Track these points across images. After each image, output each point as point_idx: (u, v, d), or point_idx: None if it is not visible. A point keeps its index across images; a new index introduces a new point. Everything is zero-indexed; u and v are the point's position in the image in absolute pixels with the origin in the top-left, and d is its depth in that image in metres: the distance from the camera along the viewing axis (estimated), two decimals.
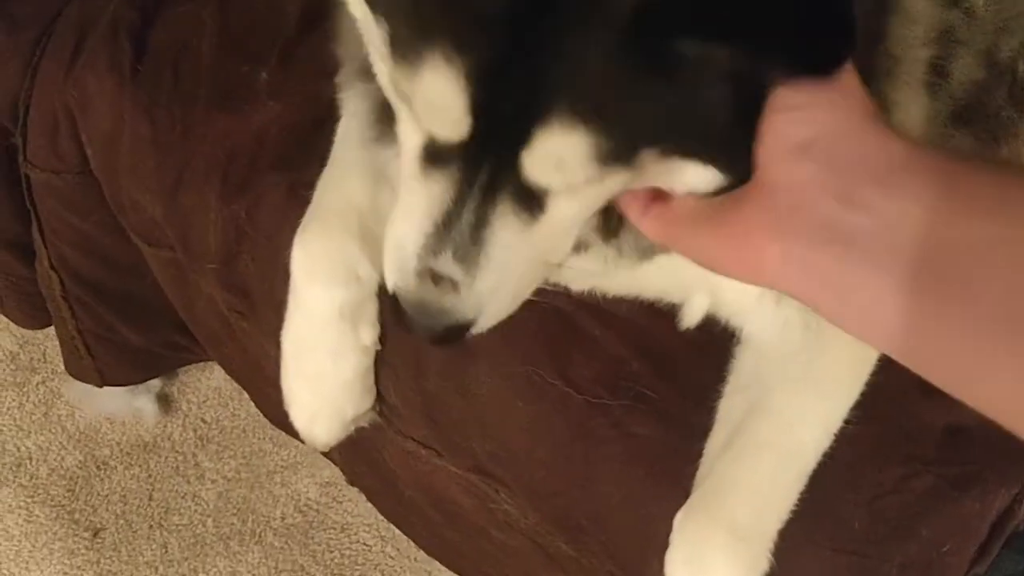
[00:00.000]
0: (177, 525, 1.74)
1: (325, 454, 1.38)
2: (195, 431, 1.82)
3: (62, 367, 1.68)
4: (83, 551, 1.72)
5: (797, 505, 0.95)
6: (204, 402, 1.84)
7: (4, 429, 1.82)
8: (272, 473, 1.78)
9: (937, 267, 0.62)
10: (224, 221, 1.17)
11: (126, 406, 1.78)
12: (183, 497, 1.77)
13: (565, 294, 1.03)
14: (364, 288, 1.06)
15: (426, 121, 0.71)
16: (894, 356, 0.67)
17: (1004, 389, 0.61)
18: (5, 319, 1.76)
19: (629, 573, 1.07)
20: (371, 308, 1.08)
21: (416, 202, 0.74)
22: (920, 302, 0.63)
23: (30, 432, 1.82)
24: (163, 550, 1.73)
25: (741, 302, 0.98)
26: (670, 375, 1.04)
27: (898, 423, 1.00)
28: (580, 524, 1.07)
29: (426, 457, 1.15)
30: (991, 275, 0.61)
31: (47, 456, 1.80)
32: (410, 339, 1.09)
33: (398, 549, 1.71)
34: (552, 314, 1.06)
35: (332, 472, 1.70)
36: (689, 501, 0.95)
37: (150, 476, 1.78)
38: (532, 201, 0.72)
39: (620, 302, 1.04)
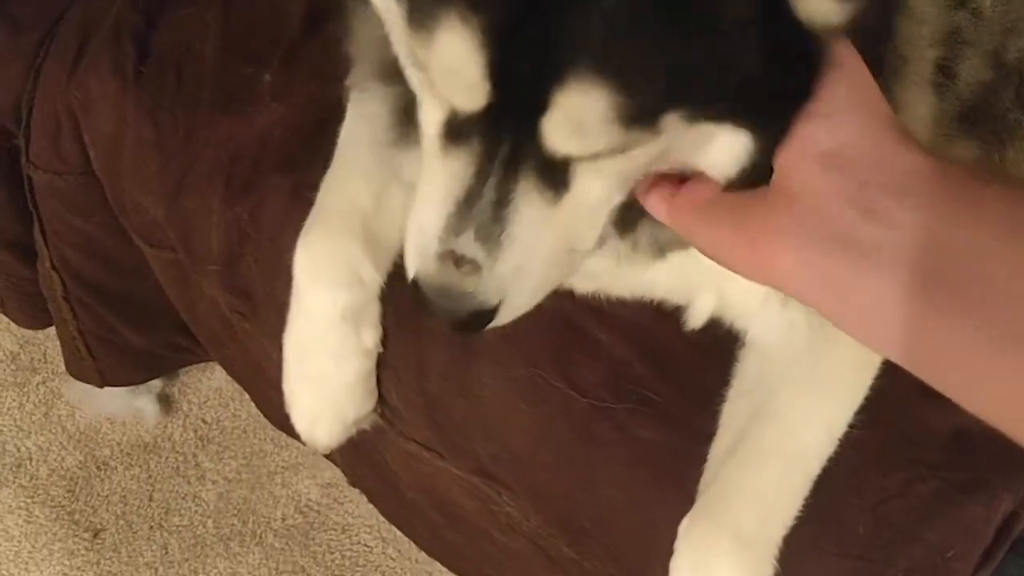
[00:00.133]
0: (177, 526, 1.74)
1: (326, 456, 1.38)
2: (196, 432, 1.81)
3: (62, 367, 1.67)
4: (83, 552, 1.72)
5: (802, 510, 0.94)
6: (205, 403, 1.83)
7: (4, 429, 1.82)
8: (273, 474, 1.77)
9: (949, 279, 0.63)
10: (227, 223, 1.17)
11: (127, 406, 1.78)
12: (183, 498, 1.76)
13: (569, 296, 1.03)
14: (367, 290, 1.06)
15: (444, 90, 0.69)
16: (901, 363, 0.67)
17: (1009, 399, 0.62)
18: (6, 319, 1.76)
19: None
20: (373, 310, 1.08)
21: (437, 181, 0.73)
22: (930, 313, 0.63)
23: (30, 432, 1.82)
24: (163, 551, 1.72)
25: (746, 304, 0.98)
26: (674, 378, 1.04)
27: (903, 428, 1.00)
28: (583, 527, 1.07)
29: (428, 459, 1.15)
30: (999, 287, 0.61)
31: (47, 456, 1.80)
32: (412, 341, 1.09)
33: (399, 550, 1.71)
34: (556, 316, 1.06)
35: (333, 473, 1.70)
36: (694, 507, 0.95)
37: (150, 477, 1.78)
38: (555, 177, 0.71)
39: (624, 304, 1.04)
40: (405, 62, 0.78)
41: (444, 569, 1.47)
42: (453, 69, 0.67)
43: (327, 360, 1.06)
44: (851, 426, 0.96)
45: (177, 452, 1.80)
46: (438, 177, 0.73)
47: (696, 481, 0.98)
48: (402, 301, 1.08)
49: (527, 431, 1.06)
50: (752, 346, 1.01)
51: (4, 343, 1.88)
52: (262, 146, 1.18)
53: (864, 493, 0.98)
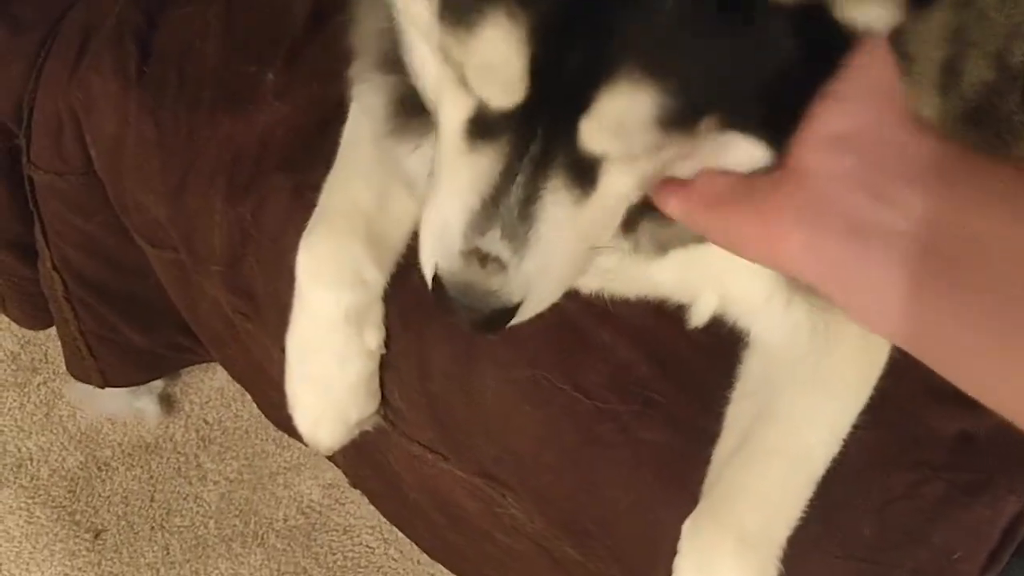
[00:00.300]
0: (179, 527, 1.74)
1: (328, 457, 1.38)
2: (197, 432, 1.81)
3: (63, 367, 1.67)
4: (84, 552, 1.72)
5: (806, 511, 0.94)
6: (206, 403, 1.83)
7: (5, 430, 1.81)
8: (274, 475, 1.77)
9: (957, 265, 0.63)
10: (229, 223, 1.17)
11: (128, 407, 1.78)
12: (185, 498, 1.76)
13: (573, 296, 1.03)
14: (370, 291, 1.06)
15: (480, 86, 0.68)
16: (906, 348, 0.67)
17: (1017, 386, 0.62)
18: (7, 319, 1.75)
19: None
20: (376, 311, 1.07)
21: (461, 178, 0.72)
22: (936, 298, 0.63)
23: (31, 433, 1.81)
24: (165, 552, 1.72)
25: (750, 303, 0.98)
26: (679, 379, 1.03)
27: (908, 429, 1.00)
28: (587, 529, 1.07)
29: (431, 461, 1.15)
30: (1006, 272, 0.62)
31: (48, 457, 1.79)
32: (416, 342, 1.09)
33: (401, 551, 1.71)
34: (559, 318, 1.05)
35: (335, 474, 1.70)
36: (698, 508, 0.95)
37: (152, 477, 1.78)
38: (584, 176, 0.70)
39: (627, 305, 1.03)
40: (416, 63, 0.78)
41: (446, 570, 1.47)
42: (493, 65, 0.66)
43: (330, 361, 1.06)
44: (855, 426, 0.96)
45: (179, 453, 1.80)
46: (461, 173, 0.72)
47: (700, 482, 0.98)
48: (405, 301, 1.08)
49: (531, 432, 1.06)
50: (755, 347, 1.01)
51: (5, 343, 1.88)
52: (264, 146, 1.18)
53: (869, 495, 0.98)
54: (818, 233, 0.67)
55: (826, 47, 0.68)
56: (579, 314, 1.06)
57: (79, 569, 1.71)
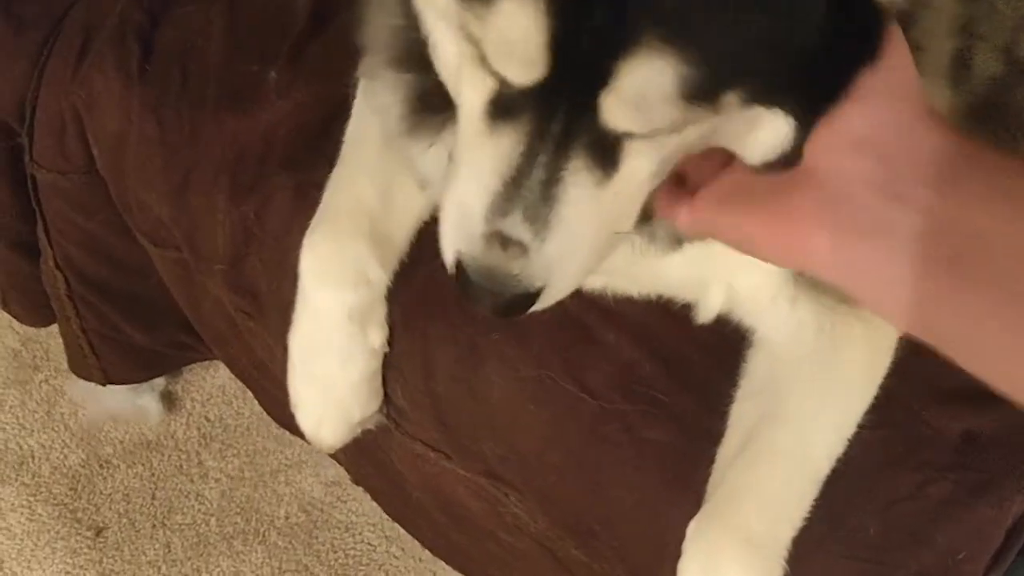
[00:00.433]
0: (180, 524, 1.74)
1: (331, 455, 1.37)
2: (199, 429, 1.81)
3: (65, 365, 1.67)
4: (86, 550, 1.72)
5: (812, 511, 0.94)
6: (208, 400, 1.83)
7: (7, 427, 1.81)
8: (276, 472, 1.77)
9: (976, 261, 0.63)
10: (232, 222, 1.17)
11: (129, 404, 1.77)
12: (186, 496, 1.76)
13: (577, 294, 1.03)
14: (373, 290, 1.06)
15: (500, 63, 0.67)
16: (930, 343, 0.67)
17: None
18: (8, 316, 1.75)
19: None
20: (380, 310, 1.07)
21: (481, 160, 0.71)
22: (956, 293, 0.64)
23: (33, 430, 1.81)
24: (166, 549, 1.72)
25: (756, 301, 0.98)
26: (683, 379, 1.03)
27: (913, 429, 1.00)
28: (591, 529, 1.07)
29: (434, 460, 1.15)
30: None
31: (50, 454, 1.79)
32: (419, 341, 1.09)
33: (403, 549, 1.71)
34: (564, 317, 1.05)
35: (336, 471, 1.70)
36: (703, 509, 0.94)
37: (153, 475, 1.78)
38: (607, 155, 0.69)
39: (631, 304, 1.03)
40: (440, 51, 0.77)
41: (448, 568, 1.47)
42: (513, 41, 0.65)
43: (333, 360, 1.06)
44: (861, 426, 0.96)
45: (180, 450, 1.79)
46: (482, 155, 0.71)
47: (704, 482, 0.97)
48: (409, 300, 1.08)
49: (535, 432, 1.06)
50: (760, 346, 1.01)
51: (7, 340, 1.87)
52: (268, 144, 1.17)
53: (874, 495, 0.98)
54: (839, 234, 0.67)
55: (855, 22, 0.67)
56: (584, 313, 1.06)
57: (80, 567, 1.70)
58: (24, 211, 1.40)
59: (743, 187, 0.73)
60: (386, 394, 1.12)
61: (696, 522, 0.94)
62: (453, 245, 0.75)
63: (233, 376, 1.55)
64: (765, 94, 0.68)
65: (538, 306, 0.76)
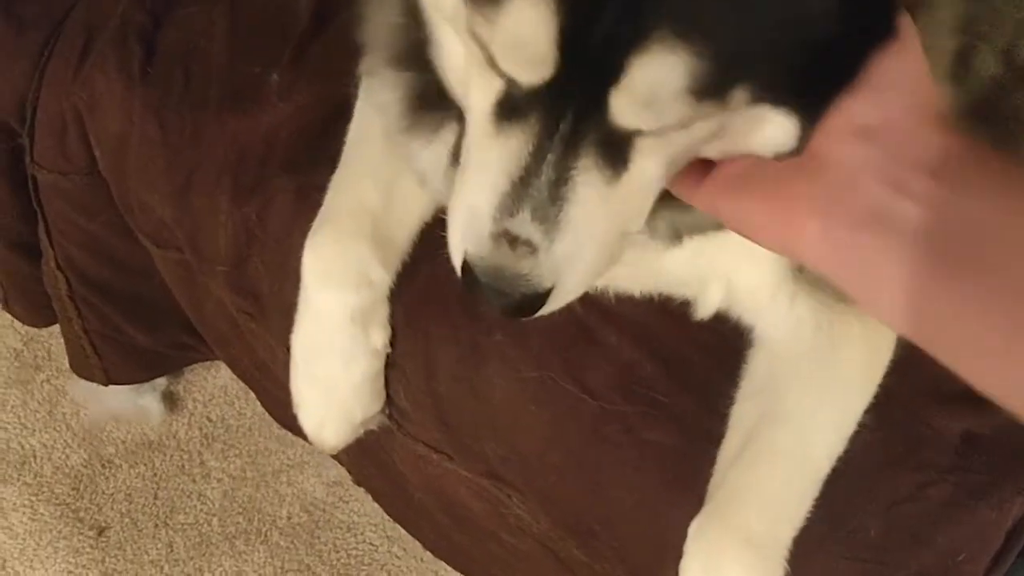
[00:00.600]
0: (182, 524, 1.74)
1: (333, 455, 1.37)
2: (201, 430, 1.81)
3: (67, 365, 1.67)
4: (88, 549, 1.72)
5: (812, 512, 0.94)
6: (210, 400, 1.83)
7: (9, 427, 1.81)
8: (278, 472, 1.77)
9: (973, 256, 0.63)
10: (234, 223, 1.17)
11: (131, 404, 1.77)
12: (188, 496, 1.76)
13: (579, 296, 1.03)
14: (375, 291, 1.06)
15: (508, 63, 0.67)
16: (918, 342, 0.67)
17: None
18: (10, 317, 1.75)
19: None
20: (382, 311, 1.07)
21: (490, 160, 0.71)
22: (950, 293, 0.63)
23: (35, 430, 1.81)
24: (168, 549, 1.72)
25: (755, 298, 0.98)
26: (684, 380, 1.04)
27: (914, 431, 1.00)
28: (592, 529, 1.07)
29: (437, 461, 1.15)
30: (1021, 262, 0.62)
31: (52, 454, 1.79)
32: (421, 342, 1.09)
33: (404, 549, 1.71)
34: (565, 318, 1.05)
35: (338, 471, 1.70)
36: (704, 510, 0.95)
37: (155, 475, 1.78)
38: (616, 154, 0.69)
39: (631, 304, 1.03)
40: (445, 49, 0.77)
41: (449, 568, 1.47)
42: (522, 41, 0.65)
43: (335, 361, 1.06)
44: (861, 426, 0.96)
45: (182, 450, 1.80)
46: (490, 156, 0.71)
47: (705, 483, 0.97)
48: (411, 301, 1.08)
49: (536, 433, 1.06)
50: (760, 345, 1.01)
51: (8, 341, 1.87)
52: (270, 146, 1.17)
53: (875, 496, 0.98)
54: (834, 222, 0.67)
55: (867, 16, 0.67)
56: (585, 314, 1.06)
57: (83, 566, 1.71)
58: (25, 212, 1.40)
59: (749, 170, 0.73)
60: (388, 395, 1.12)
61: (697, 523, 0.94)
62: (461, 245, 0.74)
63: (235, 376, 1.55)
64: (774, 90, 0.68)
65: (548, 308, 0.76)
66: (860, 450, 0.95)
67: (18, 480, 1.77)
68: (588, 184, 0.69)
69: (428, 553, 1.50)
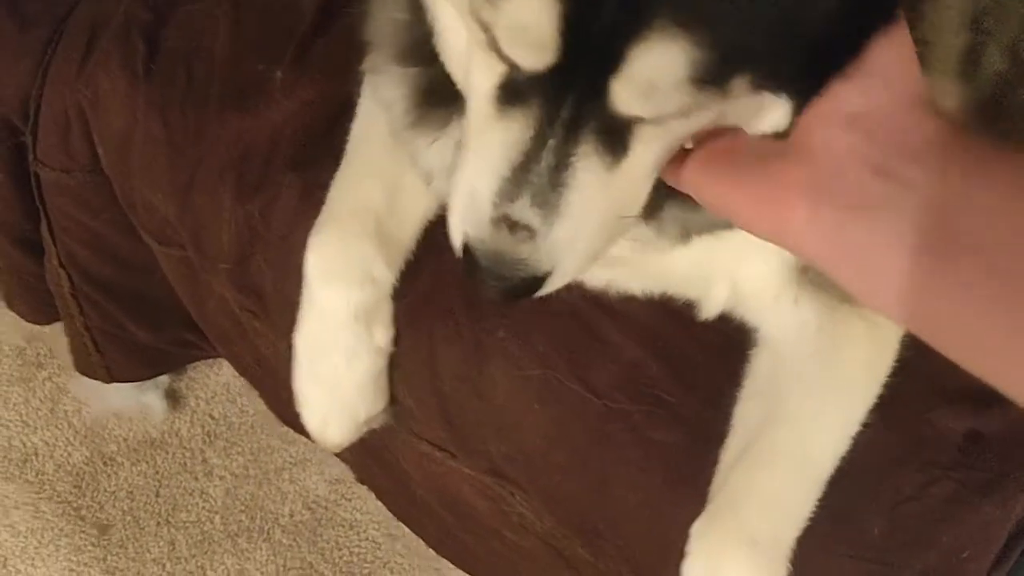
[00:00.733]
0: (184, 522, 1.74)
1: (336, 453, 1.37)
2: (203, 427, 1.81)
3: (69, 363, 1.67)
4: (90, 548, 1.72)
5: (816, 511, 0.94)
6: (212, 398, 1.83)
7: (10, 425, 1.81)
8: (280, 470, 1.77)
9: (959, 241, 0.63)
10: (237, 221, 1.17)
11: (134, 402, 1.78)
12: (191, 494, 1.76)
13: (582, 293, 1.03)
14: (379, 289, 1.06)
15: (511, 48, 0.67)
16: (909, 328, 0.68)
17: (1016, 360, 0.62)
18: (12, 314, 1.75)
19: None
20: (385, 309, 1.07)
21: (491, 145, 0.71)
22: (940, 278, 0.63)
23: (36, 428, 1.81)
24: (170, 547, 1.72)
25: (759, 297, 0.98)
26: (688, 379, 1.03)
27: (918, 429, 1.00)
28: (596, 528, 1.07)
29: (440, 459, 1.15)
30: (1005, 246, 0.61)
31: (54, 452, 1.79)
32: (425, 340, 1.09)
33: (407, 547, 1.71)
34: (569, 317, 1.06)
35: (341, 469, 1.70)
36: (706, 510, 0.94)
37: (157, 472, 1.78)
38: (616, 141, 0.69)
39: (635, 303, 1.03)
40: (445, 30, 0.77)
41: (452, 566, 1.47)
42: (524, 26, 0.65)
43: (339, 359, 1.06)
44: (864, 425, 0.96)
45: (184, 448, 1.80)
46: (491, 140, 0.71)
47: (709, 482, 0.97)
48: (415, 299, 1.08)
49: (540, 431, 1.06)
50: (764, 346, 1.01)
51: (11, 338, 1.87)
52: (273, 144, 1.17)
53: (879, 495, 0.98)
54: (822, 207, 0.66)
55: (867, 8, 0.67)
56: (589, 313, 1.06)
57: (85, 564, 1.71)
58: (28, 209, 1.40)
59: (733, 153, 0.73)
60: (392, 393, 1.11)
61: (700, 523, 0.94)
62: (461, 229, 0.75)
63: (237, 374, 1.55)
64: (774, 79, 0.68)
65: (544, 290, 0.76)
66: (864, 449, 0.95)
67: (20, 478, 1.77)
68: (588, 170, 0.70)
69: (431, 551, 1.50)
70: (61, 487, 1.77)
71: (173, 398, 1.82)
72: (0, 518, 1.74)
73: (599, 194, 0.71)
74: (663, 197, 0.81)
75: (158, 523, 1.74)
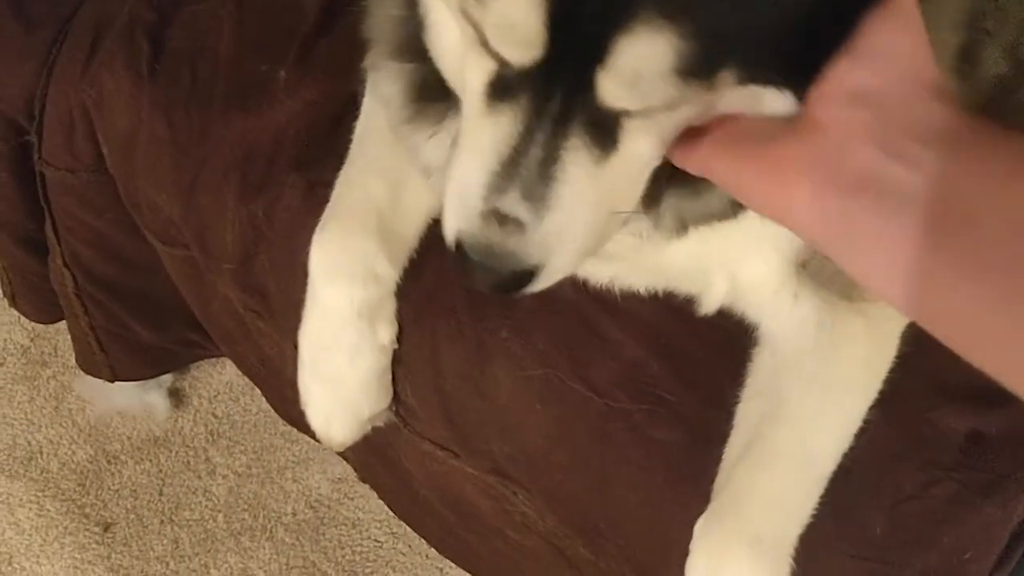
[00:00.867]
0: (187, 520, 1.74)
1: (339, 452, 1.38)
2: (206, 426, 1.81)
3: (73, 361, 1.68)
4: (93, 545, 1.73)
5: (818, 510, 0.94)
6: (215, 397, 1.83)
7: (15, 423, 1.82)
8: (283, 469, 1.78)
9: (963, 225, 0.62)
10: (241, 221, 1.17)
11: (137, 401, 1.78)
12: (194, 492, 1.76)
13: (584, 292, 1.03)
14: (382, 287, 1.06)
15: (499, 44, 0.68)
16: (908, 313, 0.67)
17: (1017, 349, 0.61)
18: (16, 313, 1.75)
19: None
20: (389, 307, 1.07)
21: (481, 139, 0.72)
22: (944, 262, 0.63)
23: (41, 426, 1.82)
24: (174, 545, 1.73)
25: (759, 293, 0.98)
26: (690, 378, 1.03)
27: (919, 429, 1.00)
28: (598, 527, 1.07)
29: (443, 458, 1.15)
30: (1009, 230, 0.61)
31: (58, 450, 1.80)
32: (428, 339, 1.09)
33: (410, 546, 1.71)
34: (571, 316, 1.06)
35: (344, 468, 1.71)
36: (709, 509, 0.95)
37: (160, 471, 1.78)
38: (605, 134, 0.70)
39: (637, 301, 1.03)
40: (437, 28, 0.77)
41: (455, 565, 1.47)
42: (511, 22, 0.65)
43: (342, 357, 1.06)
44: (866, 424, 0.96)
45: (187, 446, 1.80)
46: (482, 134, 0.72)
47: (711, 481, 0.97)
48: (418, 297, 1.08)
49: (542, 431, 1.06)
50: (764, 343, 1.01)
51: (15, 337, 1.88)
52: (277, 143, 1.18)
53: (881, 494, 0.98)
54: (825, 186, 0.66)
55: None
56: (590, 311, 1.06)
57: (88, 562, 1.71)
58: (32, 209, 1.41)
59: (743, 132, 0.72)
60: (396, 392, 1.12)
61: (702, 522, 0.94)
62: (453, 223, 0.75)
63: (240, 373, 1.56)
64: (761, 72, 0.68)
65: (536, 285, 0.76)
66: (865, 448, 0.95)
67: (24, 476, 1.78)
68: (577, 163, 0.70)
69: (433, 550, 1.51)
70: (65, 485, 1.77)
71: (176, 397, 1.82)
72: (5, 516, 1.74)
73: (589, 188, 0.72)
74: (661, 189, 0.81)
75: (161, 521, 1.74)
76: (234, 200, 1.17)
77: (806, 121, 0.68)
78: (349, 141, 1.09)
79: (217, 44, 1.24)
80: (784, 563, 0.92)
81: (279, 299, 1.16)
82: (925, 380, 0.99)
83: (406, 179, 1.04)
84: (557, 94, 0.68)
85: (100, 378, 1.64)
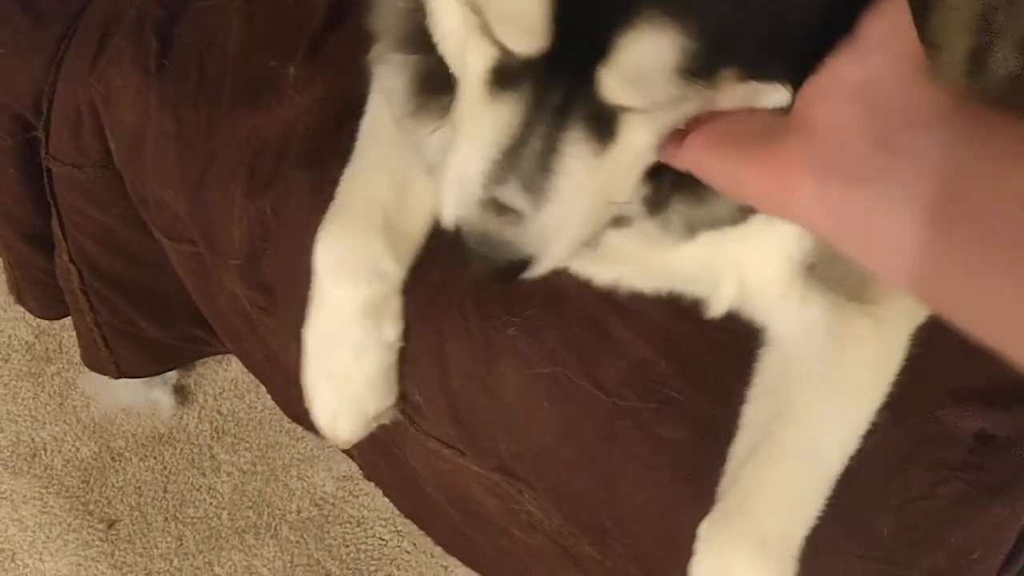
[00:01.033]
0: (192, 517, 1.74)
1: (344, 450, 1.38)
2: (211, 423, 1.81)
3: (78, 358, 1.68)
4: (97, 542, 1.73)
5: (824, 511, 0.94)
6: (220, 394, 1.83)
7: (19, 419, 1.82)
8: (288, 466, 1.78)
9: (962, 208, 0.62)
10: (249, 217, 1.17)
11: (142, 397, 1.78)
12: (198, 489, 1.77)
13: (591, 291, 1.03)
14: (388, 284, 1.06)
15: (502, 32, 0.68)
16: (919, 298, 0.67)
17: (1020, 324, 0.61)
18: (22, 309, 1.75)
19: None
20: (395, 304, 1.07)
21: (481, 128, 0.72)
22: (945, 245, 0.63)
23: (45, 423, 1.82)
24: (178, 542, 1.73)
25: (766, 295, 0.97)
26: (697, 378, 1.03)
27: (927, 428, 0.99)
28: (604, 526, 1.07)
29: (449, 456, 1.15)
30: (1007, 213, 0.61)
31: (62, 447, 1.80)
32: (434, 337, 1.09)
33: (415, 544, 1.71)
34: (579, 315, 1.06)
35: (348, 466, 1.70)
36: (715, 509, 0.95)
37: (165, 468, 1.78)
38: (604, 128, 0.70)
39: (644, 301, 1.03)
40: (440, 14, 0.77)
41: (461, 564, 1.47)
42: (515, 12, 0.65)
43: (348, 355, 1.06)
44: (874, 424, 0.96)
45: (192, 443, 1.80)
46: (482, 123, 0.72)
47: (717, 481, 0.97)
48: (424, 295, 1.08)
49: (549, 429, 1.06)
50: (772, 344, 1.01)
51: (20, 333, 1.88)
52: (285, 140, 1.18)
53: (887, 495, 0.98)
54: (828, 181, 0.66)
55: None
56: (598, 311, 1.06)
57: (92, 559, 1.71)
58: (39, 204, 1.41)
59: (736, 128, 0.73)
60: (402, 390, 1.12)
61: (708, 522, 0.94)
62: (451, 211, 0.76)
63: (245, 370, 1.56)
64: (763, 70, 0.68)
65: (531, 273, 0.77)
66: (873, 449, 0.95)
67: (28, 472, 1.78)
68: (575, 156, 0.70)
69: (438, 548, 1.50)
70: (69, 482, 1.77)
71: (181, 394, 1.82)
72: (9, 512, 1.74)
73: (587, 180, 0.72)
74: (668, 193, 0.81)
75: (166, 518, 1.74)
76: (241, 196, 1.17)
77: (801, 118, 0.68)
78: (356, 139, 1.09)
79: (226, 40, 1.24)
80: (790, 564, 0.92)
81: (285, 296, 1.16)
82: (933, 380, 0.98)
83: (412, 177, 1.04)
84: (558, 86, 0.68)
85: (105, 374, 1.64)
